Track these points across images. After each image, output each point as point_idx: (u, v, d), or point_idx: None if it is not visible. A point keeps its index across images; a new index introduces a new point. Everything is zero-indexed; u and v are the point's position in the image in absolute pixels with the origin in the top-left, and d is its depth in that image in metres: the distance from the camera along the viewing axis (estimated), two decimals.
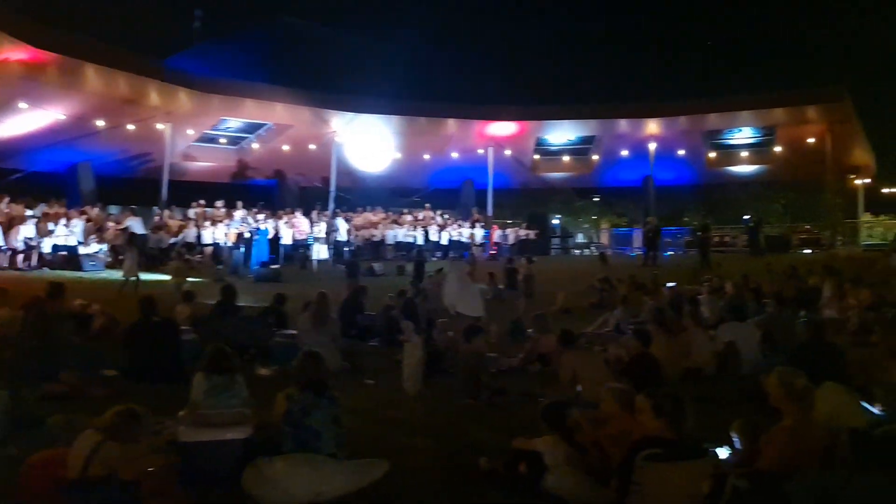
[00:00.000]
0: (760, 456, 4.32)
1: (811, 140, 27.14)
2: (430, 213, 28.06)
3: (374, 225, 26.88)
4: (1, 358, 7.49)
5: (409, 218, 27.38)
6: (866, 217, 32.63)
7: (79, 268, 19.16)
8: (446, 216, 27.84)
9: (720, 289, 14.03)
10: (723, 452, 4.74)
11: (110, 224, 21.71)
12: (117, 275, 18.67)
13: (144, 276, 15.78)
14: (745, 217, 30.53)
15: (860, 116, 26.67)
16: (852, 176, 30.03)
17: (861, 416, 5.53)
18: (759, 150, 30.24)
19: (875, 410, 5.88)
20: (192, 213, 23.77)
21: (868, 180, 31.08)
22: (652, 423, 3.94)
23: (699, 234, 23.44)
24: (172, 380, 7.14)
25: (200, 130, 26.46)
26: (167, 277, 16.33)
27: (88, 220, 20.92)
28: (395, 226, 26.84)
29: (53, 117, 21.43)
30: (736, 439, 4.75)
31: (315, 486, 4.29)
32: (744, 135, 29.84)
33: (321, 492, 4.28)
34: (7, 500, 4.30)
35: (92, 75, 20.36)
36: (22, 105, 20.05)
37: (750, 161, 30.64)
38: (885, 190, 41.64)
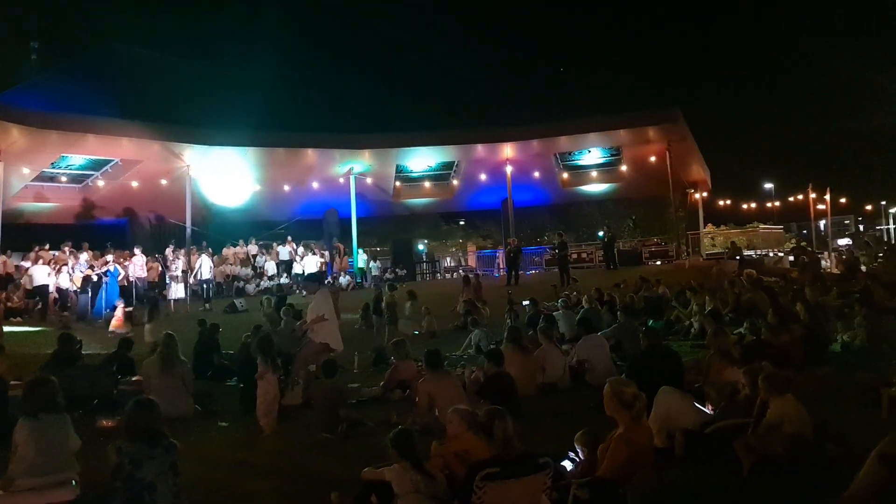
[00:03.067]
0: (599, 464, 4.52)
1: (653, 158, 28.90)
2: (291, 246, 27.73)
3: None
4: None
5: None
6: (709, 228, 35.32)
7: None
8: (300, 248, 27.47)
9: (577, 304, 14.63)
10: (568, 464, 4.91)
11: None
12: None
13: None
14: (600, 234, 32.14)
15: (694, 135, 28.79)
16: (691, 190, 32.40)
17: (694, 417, 5.93)
18: (607, 169, 31.86)
19: (707, 410, 6.31)
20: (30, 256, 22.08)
21: (706, 194, 33.67)
22: (473, 441, 4.07)
23: (556, 251, 24.41)
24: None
25: (38, 168, 24.69)
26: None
27: None
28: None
29: None
30: (578, 450, 4.95)
31: None
32: (593, 156, 31.38)
33: None
34: None
35: None
36: None
37: (600, 180, 32.27)
38: (720, 202, 45.55)
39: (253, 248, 28.83)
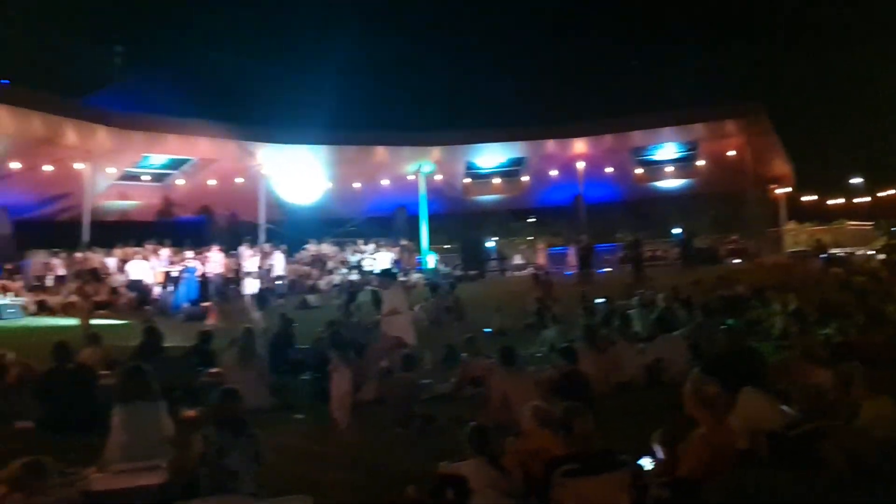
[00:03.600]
0: (679, 464, 4.38)
1: (732, 153, 28.08)
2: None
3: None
4: None
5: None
6: (792, 225, 33.96)
7: None
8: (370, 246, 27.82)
9: (652, 303, 14.31)
10: (646, 463, 4.79)
11: None
12: (37, 322, 18.05)
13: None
14: (675, 231, 31.37)
15: (777, 129, 27.77)
16: (773, 186, 31.24)
17: (778, 419, 5.69)
18: (683, 164, 31.14)
19: (792, 412, 6.04)
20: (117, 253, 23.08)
21: (789, 189, 32.40)
22: (549, 438, 4.00)
23: (630, 249, 23.94)
24: (88, 428, 6.85)
25: (122, 168, 25.76)
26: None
27: None
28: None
29: None
30: (656, 449, 4.81)
31: None
32: (668, 150, 30.69)
33: None
34: None
35: (4, 116, 19.64)
36: None
37: (676, 175, 31.52)
38: (804, 198, 43.61)
39: (325, 247, 29.22)
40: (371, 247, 27.61)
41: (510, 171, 31.82)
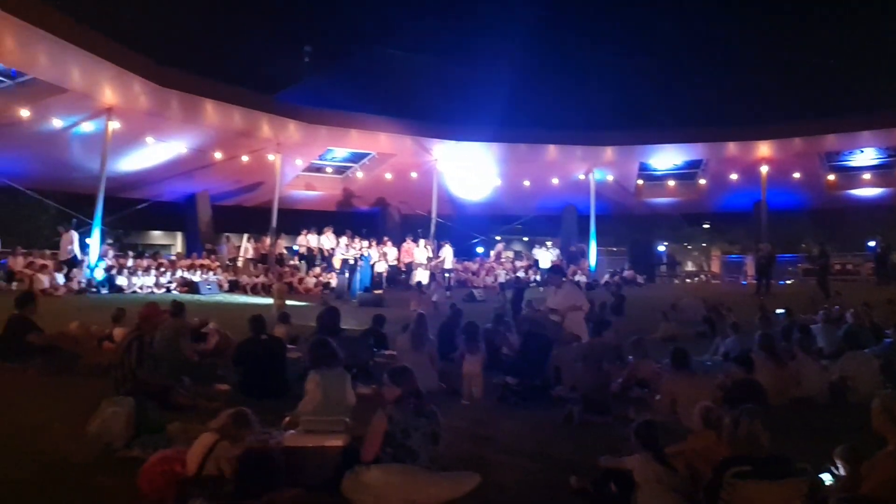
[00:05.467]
0: (863, 482, 4.14)
1: None
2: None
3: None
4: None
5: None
6: None
7: (196, 291, 20.45)
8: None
9: (839, 318, 13.36)
10: (826, 478, 4.56)
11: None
12: (230, 299, 19.79)
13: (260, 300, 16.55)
14: (871, 243, 28.82)
15: None
16: None
17: None
18: (883, 171, 28.45)
19: None
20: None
21: None
22: (717, 440, 3.90)
23: (815, 261, 22.32)
24: (278, 394, 7.53)
25: (308, 160, 27.62)
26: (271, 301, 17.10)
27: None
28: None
29: (176, 150, 22.98)
30: (839, 465, 4.57)
31: (408, 495, 4.45)
32: (866, 156, 28.20)
33: (414, 500, 4.43)
34: (130, 496, 4.66)
35: (210, 110, 21.68)
36: (149, 140, 21.66)
37: (874, 183, 28.74)
38: None
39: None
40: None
41: (686, 174, 30.57)
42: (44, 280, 18.33)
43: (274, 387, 7.65)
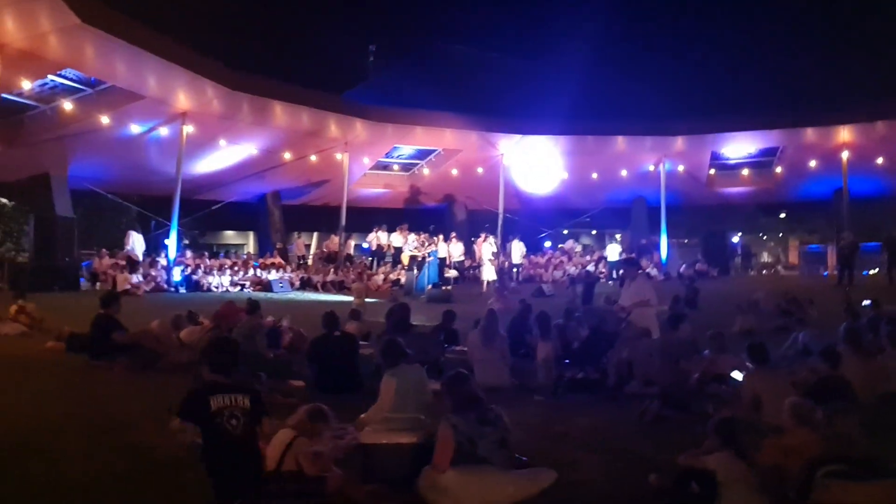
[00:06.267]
0: None
1: None
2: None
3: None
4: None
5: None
6: None
7: (269, 289, 20.94)
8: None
9: None
10: None
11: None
12: (301, 296, 20.18)
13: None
14: None
15: None
16: None
17: None
18: None
19: None
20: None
21: None
22: (807, 436, 3.72)
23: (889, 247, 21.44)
24: (352, 390, 7.63)
25: (375, 158, 27.91)
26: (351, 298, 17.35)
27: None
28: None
29: (247, 152, 23.56)
30: None
31: (486, 496, 4.41)
32: None
33: (491, 501, 4.39)
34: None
35: (279, 112, 22.14)
36: (222, 142, 22.28)
37: None
38: None
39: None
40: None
41: (761, 162, 29.50)
42: (128, 279, 19.08)
43: (348, 383, 7.75)
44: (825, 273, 28.21)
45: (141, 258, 20.95)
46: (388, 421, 5.10)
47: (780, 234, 44.07)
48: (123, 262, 20.48)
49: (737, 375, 6.51)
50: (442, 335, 9.87)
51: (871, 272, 25.86)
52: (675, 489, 4.57)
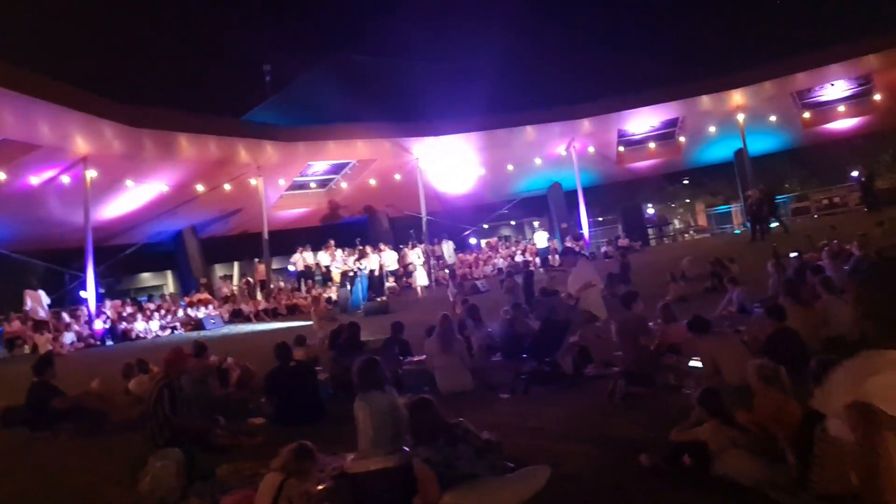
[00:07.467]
0: None
1: None
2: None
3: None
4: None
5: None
6: None
7: (200, 327, 20.29)
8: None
9: (840, 252, 13.47)
10: None
11: None
12: (235, 329, 19.65)
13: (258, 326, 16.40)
14: (854, 174, 29.05)
15: None
16: None
17: None
18: (857, 101, 28.59)
19: None
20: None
21: None
22: (780, 396, 3.86)
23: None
24: (316, 419, 7.45)
25: (290, 178, 27.41)
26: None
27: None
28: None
29: (157, 189, 22.69)
30: None
31: None
32: (837, 89, 28.32)
33: None
34: None
35: (184, 143, 21.47)
36: (129, 183, 21.37)
37: (849, 114, 28.94)
38: None
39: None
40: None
41: (664, 134, 30.61)
42: (49, 340, 18.11)
43: (311, 413, 7.56)
44: (737, 231, 29.52)
45: (45, 315, 19.74)
46: (371, 447, 4.96)
47: (688, 201, 45.85)
48: (36, 323, 19.38)
49: (695, 364, 6.71)
50: (396, 348, 9.74)
51: (774, 224, 27.17)
52: (668, 465, 4.65)
